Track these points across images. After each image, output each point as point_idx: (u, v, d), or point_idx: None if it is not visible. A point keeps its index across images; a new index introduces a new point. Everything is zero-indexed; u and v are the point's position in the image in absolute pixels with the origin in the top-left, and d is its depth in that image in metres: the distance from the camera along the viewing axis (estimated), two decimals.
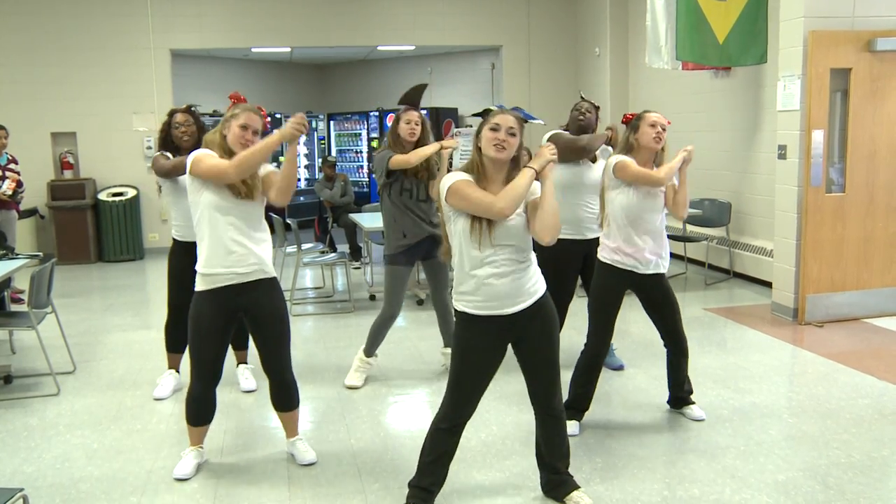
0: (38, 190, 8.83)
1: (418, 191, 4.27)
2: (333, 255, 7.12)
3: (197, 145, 4.10)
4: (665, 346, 3.82)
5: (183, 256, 4.01)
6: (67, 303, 6.79)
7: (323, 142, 13.18)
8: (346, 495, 3.13)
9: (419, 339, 5.39)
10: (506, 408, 4.00)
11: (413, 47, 10.96)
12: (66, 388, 4.51)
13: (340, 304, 6.67)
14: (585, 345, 3.71)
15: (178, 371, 4.37)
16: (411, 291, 6.89)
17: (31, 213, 8.54)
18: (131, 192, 9.27)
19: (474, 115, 3.56)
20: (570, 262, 4.36)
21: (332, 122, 13.31)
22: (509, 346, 2.86)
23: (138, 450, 3.62)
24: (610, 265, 3.61)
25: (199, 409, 3.31)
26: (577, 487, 2.99)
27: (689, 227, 7.75)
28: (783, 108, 5.70)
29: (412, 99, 4.35)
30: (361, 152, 13.00)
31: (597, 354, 3.68)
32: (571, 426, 3.66)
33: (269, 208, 3.36)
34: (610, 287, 3.63)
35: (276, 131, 2.96)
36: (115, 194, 9.23)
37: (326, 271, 7.54)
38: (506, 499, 3.08)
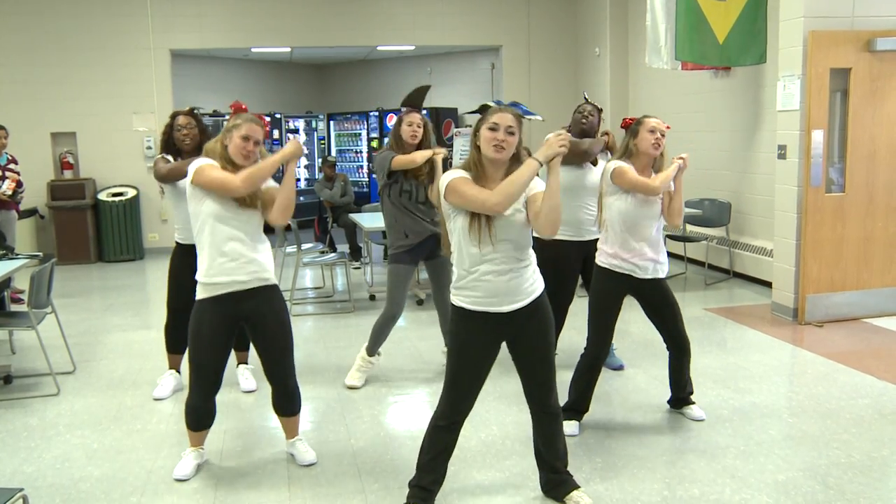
0: (38, 190, 8.83)
1: (417, 192, 4.28)
2: (333, 255, 7.12)
3: (198, 148, 4.11)
4: (668, 348, 3.83)
5: (183, 258, 4.01)
6: (67, 303, 6.79)
7: (323, 142, 13.18)
8: (346, 495, 3.13)
9: (419, 339, 5.39)
10: (506, 408, 4.00)
11: (413, 47, 10.96)
12: (66, 389, 4.51)
13: (340, 305, 6.67)
14: (585, 348, 3.71)
15: (178, 371, 4.37)
16: (411, 291, 6.89)
17: (31, 213, 8.55)
18: (131, 192, 9.27)
19: (471, 112, 3.56)
20: (570, 263, 4.36)
21: (331, 122, 13.31)
22: (504, 345, 2.87)
23: (138, 450, 3.62)
24: (608, 269, 3.62)
25: (199, 417, 3.31)
26: (576, 487, 2.99)
27: (689, 227, 7.75)
28: (783, 108, 5.70)
29: (415, 101, 4.36)
30: (361, 152, 13.00)
31: (596, 357, 3.68)
32: (571, 426, 3.67)
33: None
34: (608, 291, 3.64)
35: (279, 151, 3.10)
36: (114, 194, 9.23)
37: (326, 271, 7.54)
38: (506, 498, 3.08)
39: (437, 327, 4.67)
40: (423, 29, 10.01)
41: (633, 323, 5.51)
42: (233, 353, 4.30)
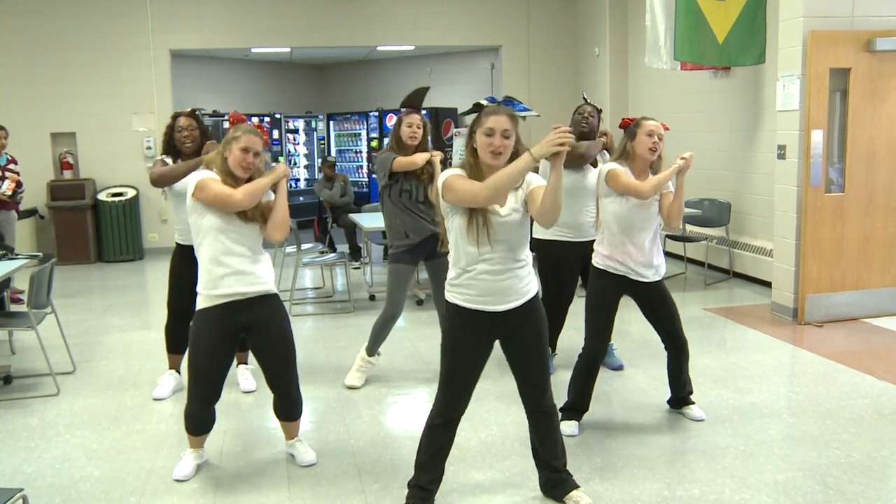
0: (38, 190, 8.83)
1: (417, 192, 4.28)
2: (333, 255, 7.12)
3: (199, 150, 4.11)
4: (665, 348, 3.83)
5: (183, 259, 4.01)
6: (67, 303, 6.79)
7: (322, 142, 13.18)
8: (346, 496, 3.13)
9: (419, 340, 5.39)
10: (506, 408, 4.00)
11: (412, 47, 10.96)
12: (66, 389, 4.51)
13: (340, 305, 6.67)
14: (583, 347, 3.72)
15: (178, 372, 4.37)
16: (411, 291, 6.89)
17: (31, 213, 8.54)
18: (131, 193, 9.27)
19: (465, 112, 3.54)
20: (570, 264, 4.36)
21: (331, 123, 13.31)
22: (497, 345, 2.88)
23: (138, 450, 3.62)
24: (603, 270, 3.63)
25: (197, 424, 3.31)
26: (576, 487, 2.99)
27: (689, 227, 7.75)
28: (782, 108, 5.70)
29: (414, 101, 4.36)
30: (361, 152, 13.00)
31: (594, 357, 3.69)
32: (571, 426, 3.67)
33: None
34: (604, 291, 3.64)
35: (271, 172, 3.22)
36: (114, 194, 9.23)
37: (326, 271, 7.54)
38: (505, 498, 3.08)
39: (437, 327, 4.65)
40: (423, 29, 10.01)
41: (632, 323, 5.50)
42: None
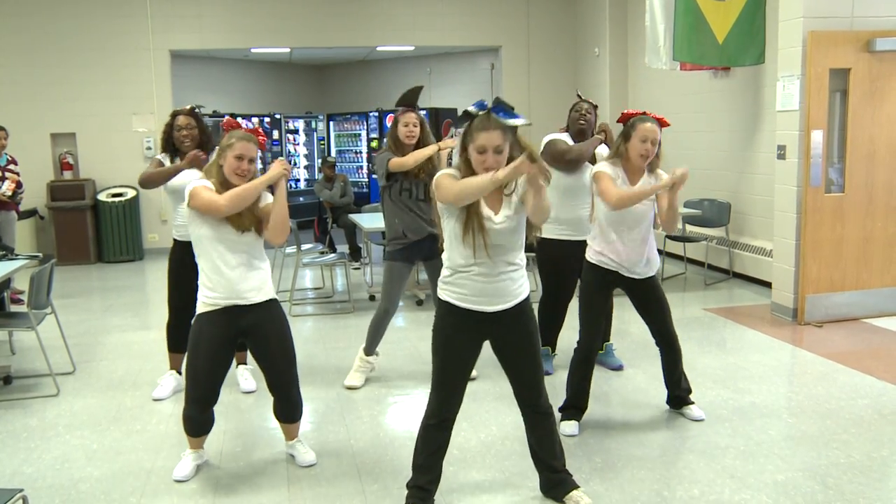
0: (38, 191, 8.84)
1: (417, 191, 4.28)
2: (333, 255, 7.12)
3: (198, 148, 4.11)
4: (657, 344, 3.84)
5: (182, 255, 4.02)
6: (67, 303, 6.79)
7: (322, 142, 13.18)
8: (346, 496, 3.13)
9: (419, 340, 5.39)
10: (505, 408, 4.00)
11: (412, 48, 10.96)
12: (66, 389, 4.51)
13: (340, 305, 6.67)
14: (578, 341, 3.73)
15: (179, 372, 4.37)
16: (411, 292, 6.89)
17: (31, 213, 8.55)
18: (131, 193, 9.27)
19: (455, 122, 3.52)
20: (569, 262, 4.36)
21: (331, 123, 13.31)
22: (491, 347, 2.90)
23: (138, 451, 3.62)
24: (596, 265, 3.65)
25: (196, 426, 3.31)
26: (576, 487, 2.99)
27: (689, 228, 7.75)
28: (782, 109, 5.70)
29: (409, 100, 4.36)
30: (361, 153, 13.00)
31: (589, 350, 3.69)
32: (571, 426, 3.67)
33: None
34: (597, 285, 3.67)
35: (265, 174, 3.12)
36: (114, 195, 9.23)
37: (326, 272, 7.54)
38: (505, 498, 3.08)
39: None
40: (423, 29, 10.01)
41: (632, 323, 5.50)
42: None
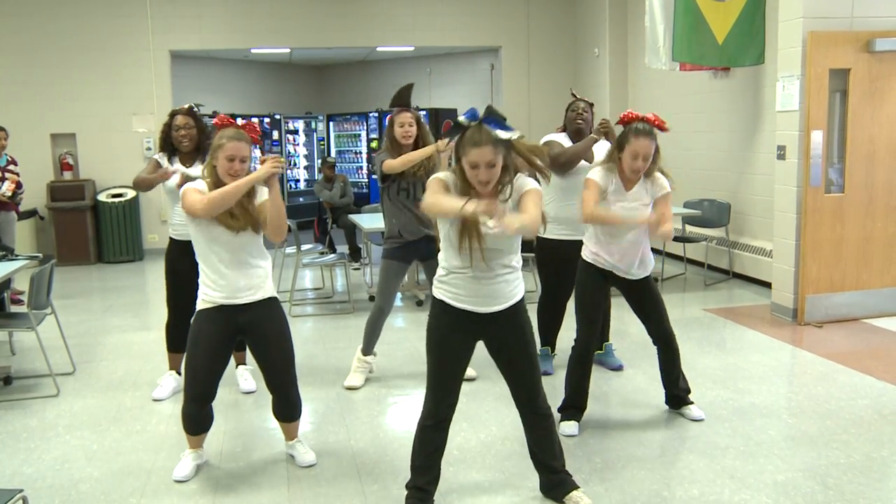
0: (38, 191, 8.84)
1: (415, 191, 4.28)
2: (333, 255, 7.12)
3: (197, 149, 4.10)
4: (654, 343, 3.85)
5: (180, 255, 4.02)
6: (67, 304, 6.79)
7: (322, 143, 13.18)
8: (346, 496, 3.13)
9: (418, 340, 5.38)
10: (505, 408, 3.99)
11: (412, 48, 10.96)
12: (66, 390, 4.51)
13: (340, 305, 6.67)
14: (575, 339, 3.74)
15: (179, 373, 4.36)
16: (411, 292, 6.89)
17: (31, 214, 8.55)
18: (131, 194, 9.26)
19: (445, 134, 3.49)
20: (569, 262, 4.35)
21: (331, 123, 13.31)
22: (486, 348, 2.90)
23: (138, 451, 3.62)
24: (591, 264, 3.68)
25: (194, 423, 3.31)
26: (576, 487, 2.99)
27: (689, 228, 7.75)
28: (782, 109, 5.70)
29: (402, 100, 4.36)
30: (361, 153, 13.01)
31: (586, 348, 3.70)
32: (571, 426, 3.67)
33: None
34: (592, 284, 3.69)
35: (248, 176, 3.03)
36: (114, 195, 9.23)
37: (326, 272, 7.54)
38: (505, 499, 3.08)
39: None
40: (423, 30, 10.01)
41: (632, 324, 5.49)
42: (232, 355, 4.32)
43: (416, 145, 4.30)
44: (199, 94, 10.86)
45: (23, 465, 3.49)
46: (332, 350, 5.25)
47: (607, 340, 4.71)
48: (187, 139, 4.11)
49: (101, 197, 9.20)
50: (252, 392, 4.37)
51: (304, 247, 6.98)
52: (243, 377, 4.46)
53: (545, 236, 4.32)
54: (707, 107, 7.77)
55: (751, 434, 3.66)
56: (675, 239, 7.37)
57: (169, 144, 4.17)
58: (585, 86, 9.73)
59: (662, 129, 3.54)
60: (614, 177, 3.55)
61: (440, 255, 2.80)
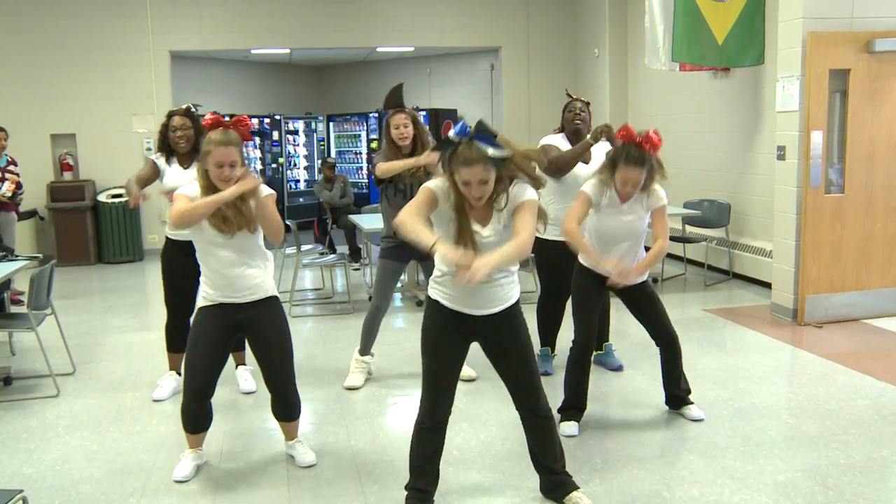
0: (38, 191, 8.83)
1: (412, 192, 4.27)
2: (333, 256, 7.12)
3: (194, 149, 4.10)
4: (656, 344, 3.85)
5: (176, 254, 4.04)
6: (67, 304, 6.79)
7: (322, 143, 13.18)
8: (346, 497, 3.13)
9: (418, 340, 5.35)
10: (505, 408, 3.99)
11: (412, 48, 10.96)
12: (66, 390, 4.51)
13: (340, 306, 6.67)
14: (573, 341, 3.74)
15: (178, 373, 4.36)
16: (410, 293, 6.89)
17: (31, 214, 8.54)
18: None
19: (435, 148, 3.46)
20: (568, 263, 4.35)
21: (331, 124, 13.31)
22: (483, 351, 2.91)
23: (138, 451, 3.62)
24: (587, 268, 3.69)
25: (193, 420, 3.32)
26: (576, 488, 2.99)
27: (689, 228, 7.75)
28: (782, 109, 5.71)
29: (395, 101, 4.36)
30: (361, 154, 13.00)
31: (584, 349, 3.71)
32: (571, 427, 3.67)
33: None
34: (588, 287, 3.71)
35: (217, 194, 2.98)
36: (114, 196, 9.22)
37: (326, 273, 7.54)
38: (505, 499, 3.08)
39: None
40: (423, 30, 10.01)
41: (632, 324, 5.48)
42: (232, 355, 4.33)
43: (415, 145, 4.30)
44: (199, 94, 10.87)
45: (23, 465, 3.49)
46: (331, 350, 5.25)
47: (607, 341, 4.71)
48: (184, 140, 4.12)
49: (101, 197, 9.20)
50: (252, 392, 4.37)
51: (304, 247, 6.98)
52: (243, 377, 4.46)
53: (545, 237, 4.30)
54: (707, 107, 7.77)
55: (751, 434, 3.66)
56: (675, 239, 7.38)
57: (166, 145, 4.18)
58: (585, 86, 9.74)
59: (654, 151, 3.46)
60: (609, 189, 3.55)
61: (436, 257, 2.80)
